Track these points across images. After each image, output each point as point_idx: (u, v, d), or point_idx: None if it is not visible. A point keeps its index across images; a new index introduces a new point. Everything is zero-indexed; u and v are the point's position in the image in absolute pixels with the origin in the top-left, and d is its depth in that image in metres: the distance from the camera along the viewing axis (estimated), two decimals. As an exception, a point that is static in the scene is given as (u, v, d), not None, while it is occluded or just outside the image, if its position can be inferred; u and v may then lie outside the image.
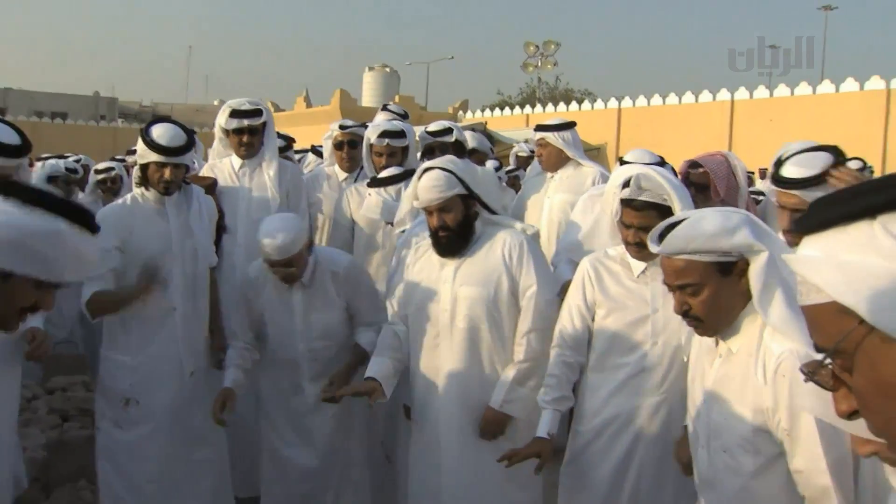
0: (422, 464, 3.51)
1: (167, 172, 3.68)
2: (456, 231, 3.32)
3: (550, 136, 5.18)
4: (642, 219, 3.02)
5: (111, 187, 6.78)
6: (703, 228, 2.21)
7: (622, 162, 4.73)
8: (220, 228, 4.65)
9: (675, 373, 3.07)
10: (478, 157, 5.40)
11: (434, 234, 3.38)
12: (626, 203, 3.06)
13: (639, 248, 3.08)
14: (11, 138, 3.15)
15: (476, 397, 3.38)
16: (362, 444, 3.92)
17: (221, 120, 4.66)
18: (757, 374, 2.19)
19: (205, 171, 4.86)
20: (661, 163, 4.79)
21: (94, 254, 1.89)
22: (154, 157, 3.65)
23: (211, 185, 4.63)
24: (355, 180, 5.14)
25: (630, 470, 3.18)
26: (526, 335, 3.33)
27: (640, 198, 3.02)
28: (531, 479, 3.29)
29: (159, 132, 3.67)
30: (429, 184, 3.27)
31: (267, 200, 4.67)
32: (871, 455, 1.57)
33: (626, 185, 3.09)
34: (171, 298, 3.79)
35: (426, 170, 3.33)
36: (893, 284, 0.86)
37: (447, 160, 3.37)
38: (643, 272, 3.14)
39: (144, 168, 3.72)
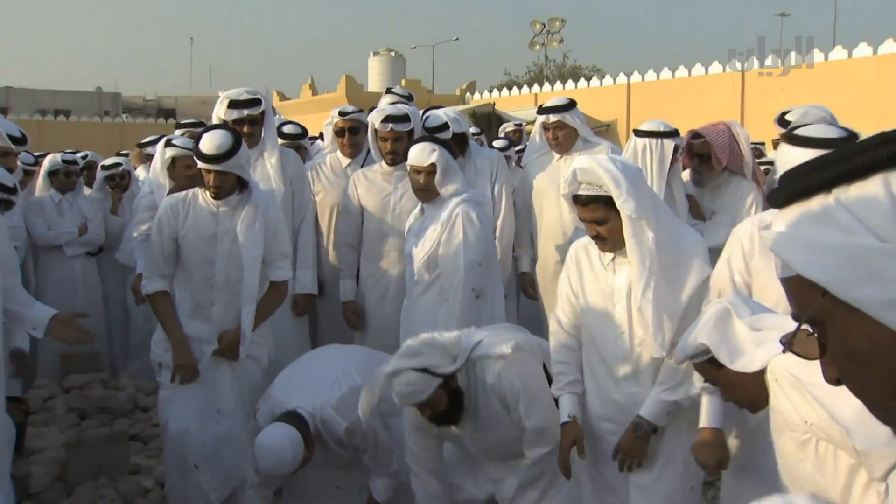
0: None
1: (211, 178, 3.82)
2: (447, 410, 3.22)
3: (568, 117, 5.06)
4: (592, 212, 2.96)
5: (120, 183, 6.77)
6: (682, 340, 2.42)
7: (637, 133, 4.70)
8: None
9: (653, 364, 3.02)
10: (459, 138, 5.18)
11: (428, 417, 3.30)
12: (574, 199, 2.99)
13: (598, 241, 3.03)
14: None
15: None
16: None
17: (220, 111, 4.59)
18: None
19: None
20: (676, 133, 4.75)
21: None
22: (199, 162, 3.82)
23: None
24: (361, 165, 5.10)
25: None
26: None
27: (580, 192, 2.95)
28: None
29: (205, 138, 3.80)
30: (405, 390, 3.10)
31: (271, 191, 4.62)
32: None
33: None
34: (210, 298, 3.95)
35: (394, 373, 3.12)
36: (849, 256, 0.90)
37: (412, 350, 3.16)
38: (611, 261, 3.08)
39: (199, 171, 3.91)
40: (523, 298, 5.66)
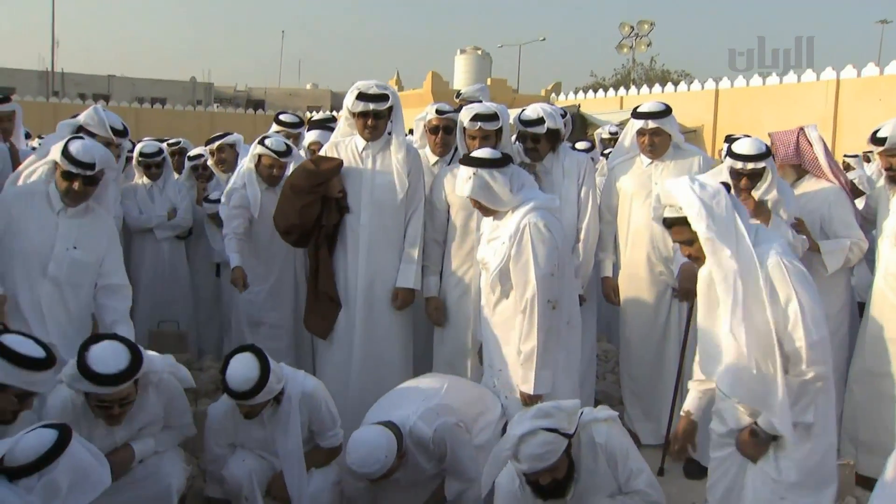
0: None
1: (243, 410, 3.81)
2: (563, 479, 3.30)
3: (666, 124, 4.99)
4: (677, 234, 3.10)
5: (203, 174, 6.98)
6: None
7: (730, 153, 4.59)
8: (343, 209, 4.72)
9: None
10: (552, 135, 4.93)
11: (538, 488, 3.32)
12: (662, 223, 3.16)
13: (694, 261, 3.18)
14: None
15: None
16: None
17: (348, 101, 4.66)
18: None
19: (328, 150, 4.89)
20: (767, 154, 4.64)
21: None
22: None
23: (337, 167, 4.71)
24: (448, 163, 5.08)
25: None
26: None
27: (665, 215, 3.10)
28: None
29: (230, 372, 3.72)
30: (537, 451, 3.15)
31: (392, 183, 4.72)
32: None
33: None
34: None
35: (527, 433, 3.18)
36: None
37: (543, 412, 3.25)
38: None
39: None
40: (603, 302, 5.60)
